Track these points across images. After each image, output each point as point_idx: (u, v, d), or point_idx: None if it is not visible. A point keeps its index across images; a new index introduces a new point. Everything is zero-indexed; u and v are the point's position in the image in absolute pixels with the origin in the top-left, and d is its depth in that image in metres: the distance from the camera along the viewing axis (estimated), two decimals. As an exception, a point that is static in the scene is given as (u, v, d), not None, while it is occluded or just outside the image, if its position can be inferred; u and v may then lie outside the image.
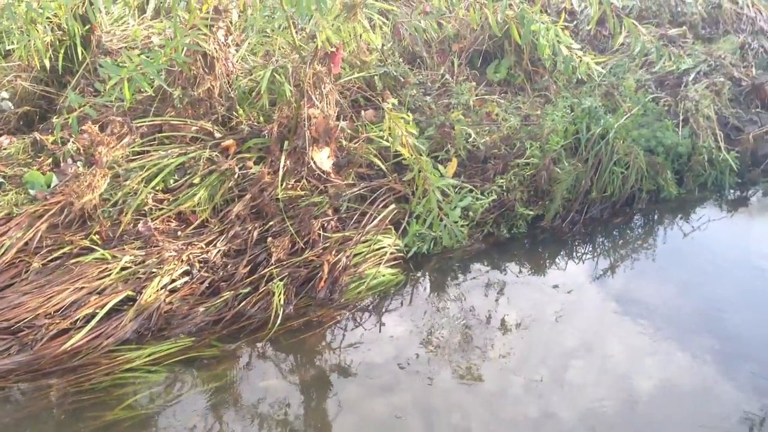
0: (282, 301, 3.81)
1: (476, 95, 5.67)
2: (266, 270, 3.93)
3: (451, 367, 3.60)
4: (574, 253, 4.68)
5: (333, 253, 4.03)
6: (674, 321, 3.98)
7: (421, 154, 4.60)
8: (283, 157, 4.26)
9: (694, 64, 6.22)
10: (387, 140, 4.22)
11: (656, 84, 5.97)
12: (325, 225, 4.20)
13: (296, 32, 4.71)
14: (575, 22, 6.71)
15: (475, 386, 3.49)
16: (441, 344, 3.77)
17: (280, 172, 4.23)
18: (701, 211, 5.23)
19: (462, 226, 4.51)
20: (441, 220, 4.00)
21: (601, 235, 4.88)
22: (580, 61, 3.67)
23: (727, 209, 5.29)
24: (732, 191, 5.48)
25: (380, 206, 4.42)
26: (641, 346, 3.79)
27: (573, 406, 3.36)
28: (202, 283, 3.85)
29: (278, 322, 3.76)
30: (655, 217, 5.12)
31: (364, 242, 4.18)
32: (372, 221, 4.29)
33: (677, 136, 5.30)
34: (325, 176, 4.35)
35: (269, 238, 4.06)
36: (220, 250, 3.97)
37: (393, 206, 4.40)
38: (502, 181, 4.79)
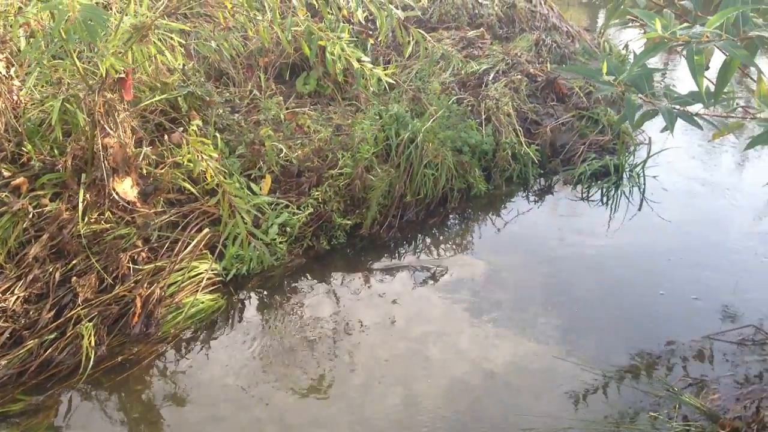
0: (93, 343, 3.74)
1: (287, 108, 5.82)
2: (73, 312, 3.83)
3: (289, 383, 3.69)
4: (395, 256, 4.92)
5: (145, 285, 4.01)
6: (513, 305, 4.36)
7: (232, 174, 4.68)
8: (81, 191, 4.17)
9: (492, 64, 6.73)
10: (190, 164, 4.25)
11: (459, 85, 6.41)
12: (135, 257, 4.16)
13: (86, 59, 4.63)
14: (377, 31, 7.04)
15: (321, 397, 3.61)
16: (273, 362, 3.85)
17: (80, 207, 4.13)
18: (511, 204, 5.69)
19: (280, 242, 4.64)
20: (250, 242, 4.08)
21: (419, 236, 5.17)
22: (371, 73, 3.91)
23: (534, 199, 5.78)
24: (536, 182, 6.00)
25: (193, 231, 4.44)
26: (487, 332, 4.10)
27: (432, 396, 3.59)
28: (1, 333, 3.69)
29: (90, 365, 3.68)
30: (469, 213, 5.51)
31: (178, 270, 4.19)
32: (186, 248, 4.30)
33: (481, 135, 5.74)
34: (130, 206, 4.30)
35: (74, 278, 3.96)
36: (19, 297, 3.82)
37: (207, 230, 4.43)
38: (317, 193, 4.96)
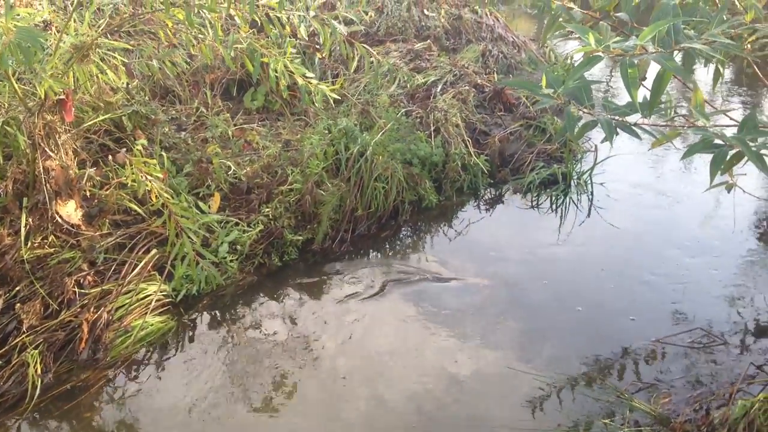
0: (39, 371, 3.67)
1: (235, 125, 5.80)
2: (18, 339, 3.76)
3: (245, 403, 3.67)
4: (348, 271, 4.92)
5: (92, 310, 3.95)
6: (469, 315, 4.42)
7: (180, 194, 4.65)
8: (24, 215, 4.10)
9: (440, 76, 6.81)
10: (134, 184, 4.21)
11: (407, 98, 6.47)
12: (81, 281, 4.10)
13: (27, 81, 4.56)
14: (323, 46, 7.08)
15: (278, 416, 3.60)
16: (226, 382, 3.82)
17: (23, 232, 4.06)
18: (462, 214, 5.75)
19: (231, 261, 4.61)
20: (197, 263, 4.04)
21: (372, 250, 5.19)
22: (316, 88, 3.93)
23: (485, 208, 5.86)
24: (487, 192, 6.08)
25: (141, 252, 4.39)
26: (443, 343, 4.14)
27: (389, 413, 3.61)
28: (-58, 365, 3.61)
29: (37, 393, 3.61)
30: (421, 225, 5.55)
31: (126, 293, 4.14)
32: (133, 270, 4.25)
33: (430, 147, 5.80)
34: (75, 229, 4.24)
35: (17, 305, 3.88)
36: (-40, 327, 3.74)
37: (155, 251, 4.39)
38: (267, 210, 4.95)
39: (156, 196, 3.88)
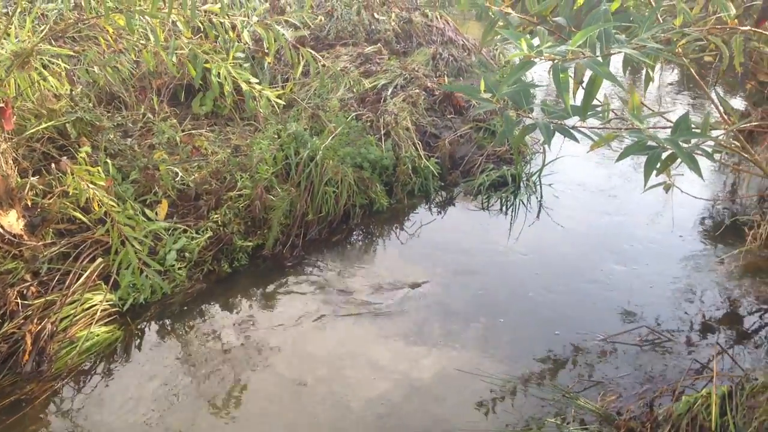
0: (-20, 385, 3.60)
1: (183, 130, 5.74)
2: (-43, 353, 3.68)
3: (194, 413, 3.63)
4: (300, 276, 4.90)
5: (36, 321, 3.87)
6: (420, 317, 4.45)
7: (125, 201, 4.58)
8: (-37, 227, 4.01)
9: (390, 79, 6.83)
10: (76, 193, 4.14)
11: (358, 102, 6.47)
12: (24, 292, 4.01)
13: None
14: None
15: (229, 425, 3.57)
16: (175, 392, 3.78)
17: (-38, 243, 3.97)
18: (414, 217, 5.78)
19: (179, 268, 4.57)
20: (142, 271, 3.99)
21: (324, 254, 5.18)
22: (260, 93, 3.92)
23: (436, 211, 5.90)
24: (438, 194, 6.12)
25: (86, 261, 4.32)
26: (395, 348, 4.16)
27: (341, 420, 3.60)
28: None
29: (-23, 409, 3.54)
30: (372, 229, 5.57)
31: (71, 303, 4.06)
32: (78, 279, 4.18)
33: (381, 150, 5.81)
34: (17, 239, 4.15)
35: (-43, 318, 3.80)
36: None
37: (100, 260, 4.32)
38: (216, 216, 4.91)
39: (98, 204, 3.82)
